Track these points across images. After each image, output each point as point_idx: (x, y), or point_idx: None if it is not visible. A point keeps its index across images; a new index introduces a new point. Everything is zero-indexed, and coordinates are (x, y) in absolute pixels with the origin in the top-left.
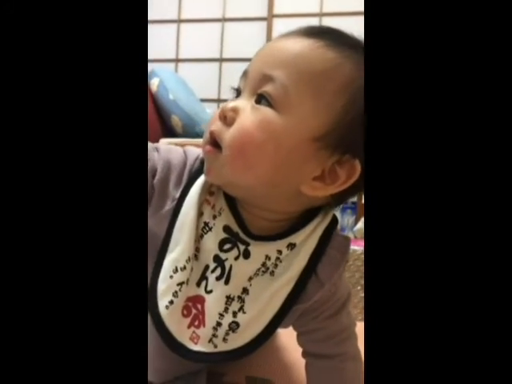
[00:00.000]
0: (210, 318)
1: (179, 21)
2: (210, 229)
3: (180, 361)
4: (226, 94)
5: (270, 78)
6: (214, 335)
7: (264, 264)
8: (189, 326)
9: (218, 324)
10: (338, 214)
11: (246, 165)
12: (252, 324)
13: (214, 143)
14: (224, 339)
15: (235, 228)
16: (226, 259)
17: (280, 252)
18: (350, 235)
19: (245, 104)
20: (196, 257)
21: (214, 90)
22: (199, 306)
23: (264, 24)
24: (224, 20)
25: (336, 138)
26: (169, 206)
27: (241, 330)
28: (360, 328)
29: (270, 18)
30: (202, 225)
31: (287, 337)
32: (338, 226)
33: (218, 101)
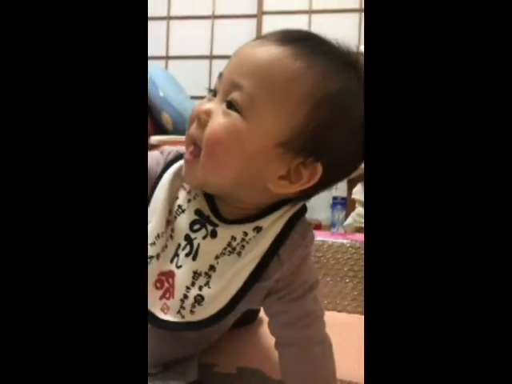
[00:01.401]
0: (179, 290)
1: (168, 18)
2: (183, 211)
3: (169, 344)
4: None
5: (238, 85)
6: (182, 306)
7: (230, 244)
8: (160, 298)
9: (185, 296)
10: (328, 209)
11: (214, 166)
12: (216, 298)
13: (195, 150)
14: (191, 311)
15: (206, 211)
16: (195, 238)
17: (246, 234)
18: (341, 230)
19: (217, 108)
20: (171, 236)
21: (204, 87)
22: (170, 280)
23: (254, 21)
24: (214, 17)
25: (299, 144)
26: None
27: (206, 303)
28: (354, 321)
29: (259, 15)
30: (176, 207)
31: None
32: (329, 222)
33: None
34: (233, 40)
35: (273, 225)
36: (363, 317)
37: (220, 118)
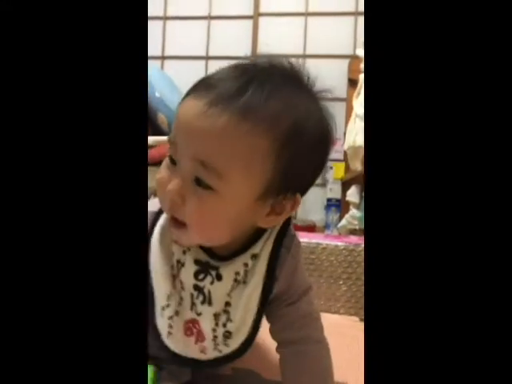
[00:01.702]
0: (207, 333)
1: (165, 18)
2: (183, 264)
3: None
4: None
5: (200, 162)
6: (216, 344)
7: (236, 279)
8: (196, 342)
9: (215, 337)
10: (322, 211)
11: (207, 238)
12: (241, 327)
13: (179, 223)
14: (225, 344)
15: (204, 258)
16: (204, 286)
17: (246, 265)
18: (335, 232)
19: (186, 186)
20: (183, 288)
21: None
22: (197, 326)
23: (250, 22)
24: (210, 18)
25: (275, 189)
26: None
27: (234, 335)
28: (347, 323)
29: (255, 16)
30: (175, 263)
31: (268, 334)
32: (323, 223)
33: None
34: (229, 41)
35: (264, 247)
36: (356, 318)
37: (195, 201)
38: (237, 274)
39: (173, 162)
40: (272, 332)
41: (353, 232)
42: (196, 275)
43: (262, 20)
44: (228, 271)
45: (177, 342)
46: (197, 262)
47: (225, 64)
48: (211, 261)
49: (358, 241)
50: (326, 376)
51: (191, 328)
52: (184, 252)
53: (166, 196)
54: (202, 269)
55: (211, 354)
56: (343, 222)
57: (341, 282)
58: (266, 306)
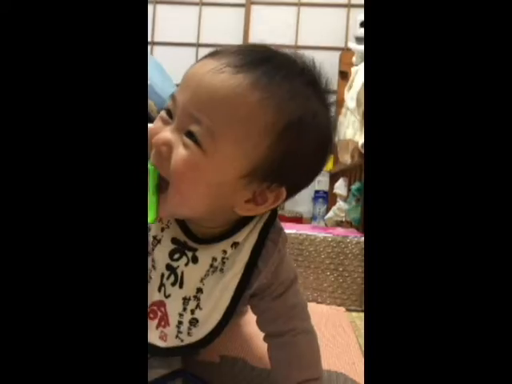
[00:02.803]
0: (172, 317)
1: (155, 2)
2: (159, 241)
3: None
4: None
5: (196, 119)
6: (179, 331)
7: (212, 265)
8: (157, 327)
9: (180, 322)
10: (310, 202)
11: (182, 200)
12: (209, 317)
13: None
14: (188, 333)
15: (182, 238)
16: (178, 267)
17: (225, 252)
18: (322, 223)
19: (176, 139)
20: (154, 267)
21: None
22: (162, 309)
23: (242, 10)
24: (202, 4)
25: (263, 174)
26: None
27: (201, 324)
28: (333, 312)
29: (248, 4)
30: (152, 239)
31: (254, 324)
32: (310, 215)
33: None
34: (220, 29)
35: (248, 238)
36: (342, 308)
37: (181, 152)
38: (214, 259)
39: (169, 115)
40: (259, 324)
41: (339, 224)
42: (171, 254)
43: (254, 8)
44: (205, 255)
45: None
46: (174, 240)
47: None
48: (189, 241)
49: (345, 233)
50: (315, 364)
51: (155, 311)
52: (162, 229)
53: (153, 143)
54: (179, 248)
55: (171, 341)
56: (330, 213)
57: (328, 273)
58: (240, 298)
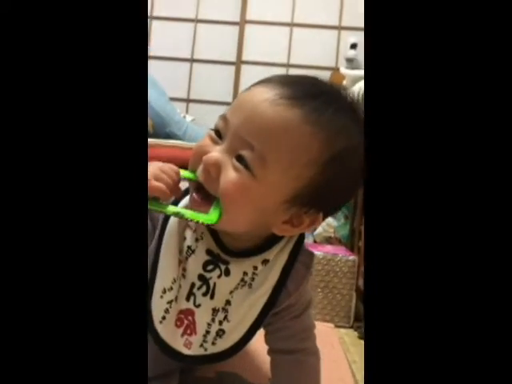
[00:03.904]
0: (200, 327)
1: (151, 18)
2: (193, 251)
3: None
4: (196, 94)
5: (249, 144)
6: (204, 341)
7: (242, 279)
8: (182, 335)
9: (207, 332)
10: None
11: (227, 219)
12: (235, 330)
13: (203, 194)
14: (213, 343)
15: (216, 250)
16: (210, 278)
17: (256, 268)
18: (310, 239)
19: (226, 161)
20: (183, 275)
21: (184, 89)
22: (190, 318)
23: (236, 28)
24: (197, 21)
25: (303, 200)
26: (156, 234)
27: (226, 335)
28: (323, 329)
29: (242, 23)
30: (186, 248)
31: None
32: None
33: (188, 101)
34: (214, 45)
35: (278, 257)
36: (331, 325)
37: (231, 174)
38: (245, 274)
39: (218, 135)
40: (269, 340)
41: (328, 240)
42: (205, 265)
43: (248, 27)
44: (237, 269)
45: (166, 329)
46: (208, 252)
47: (211, 67)
48: (222, 254)
49: (335, 251)
50: (318, 383)
51: (182, 319)
52: (197, 239)
53: (202, 164)
54: (213, 260)
55: (195, 350)
56: (319, 229)
57: (318, 290)
58: (267, 315)
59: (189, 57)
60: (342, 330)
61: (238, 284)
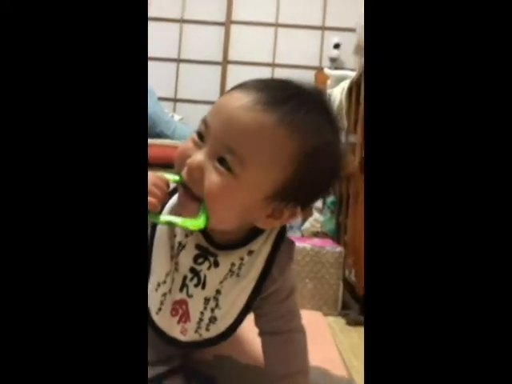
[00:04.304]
0: (194, 315)
1: None
2: (184, 246)
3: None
4: (183, 93)
5: (230, 148)
6: (199, 327)
7: (231, 270)
8: (178, 322)
9: (201, 319)
10: None
11: (215, 218)
12: (226, 316)
13: (189, 193)
14: (206, 329)
15: (205, 244)
16: (201, 270)
17: (242, 258)
18: (298, 233)
19: (208, 163)
20: (176, 269)
21: (171, 89)
22: (184, 307)
23: (222, 29)
24: (182, 21)
25: (283, 195)
26: (148, 232)
27: (219, 321)
28: (313, 317)
29: (228, 23)
30: (177, 244)
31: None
32: (288, 225)
33: (175, 100)
34: (201, 45)
35: (262, 247)
36: (320, 313)
37: (215, 177)
38: (232, 264)
39: (200, 138)
40: (259, 323)
41: (315, 234)
42: (195, 259)
43: (233, 27)
44: (225, 260)
45: (163, 319)
46: (198, 246)
47: (197, 67)
48: (210, 247)
49: (322, 243)
50: (305, 359)
51: (177, 309)
52: (186, 235)
53: (186, 167)
54: (202, 253)
55: (191, 336)
56: (306, 224)
57: (307, 281)
58: (254, 301)
59: (175, 57)
60: (331, 318)
61: (227, 274)
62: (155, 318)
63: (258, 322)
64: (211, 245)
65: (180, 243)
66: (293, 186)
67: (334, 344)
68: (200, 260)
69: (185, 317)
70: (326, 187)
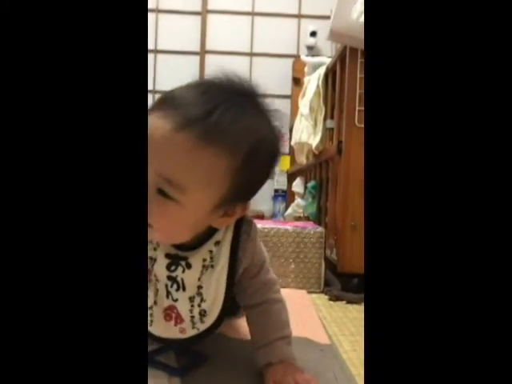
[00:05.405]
0: (185, 315)
1: None
2: (155, 260)
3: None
4: (161, 84)
5: (166, 178)
6: (193, 323)
7: (204, 265)
8: (175, 325)
9: (192, 317)
10: (270, 201)
11: (170, 239)
12: (214, 305)
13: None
14: (201, 322)
15: (173, 251)
16: (177, 276)
17: (211, 251)
18: (281, 219)
19: (149, 195)
20: (157, 280)
21: (149, 80)
22: (175, 311)
23: (199, 18)
24: (158, 11)
25: (229, 200)
26: None
27: (209, 312)
28: (296, 294)
29: (204, 13)
30: (149, 260)
31: None
32: (271, 213)
33: (153, 92)
34: (178, 35)
35: (226, 235)
36: (304, 291)
37: (157, 209)
38: (204, 260)
39: None
40: (240, 299)
41: (298, 219)
42: (168, 267)
43: (210, 17)
44: (196, 259)
45: (158, 328)
46: (167, 255)
47: (175, 58)
48: (179, 252)
49: (304, 225)
50: (286, 325)
51: (170, 314)
52: (155, 249)
53: None
54: (173, 261)
55: (190, 332)
56: (289, 210)
57: (290, 261)
58: (233, 284)
59: (152, 47)
60: (313, 295)
61: (202, 270)
62: (151, 329)
63: (238, 299)
64: (180, 249)
65: (151, 258)
66: (237, 191)
67: (317, 317)
68: (173, 268)
69: (179, 319)
70: (267, 175)
